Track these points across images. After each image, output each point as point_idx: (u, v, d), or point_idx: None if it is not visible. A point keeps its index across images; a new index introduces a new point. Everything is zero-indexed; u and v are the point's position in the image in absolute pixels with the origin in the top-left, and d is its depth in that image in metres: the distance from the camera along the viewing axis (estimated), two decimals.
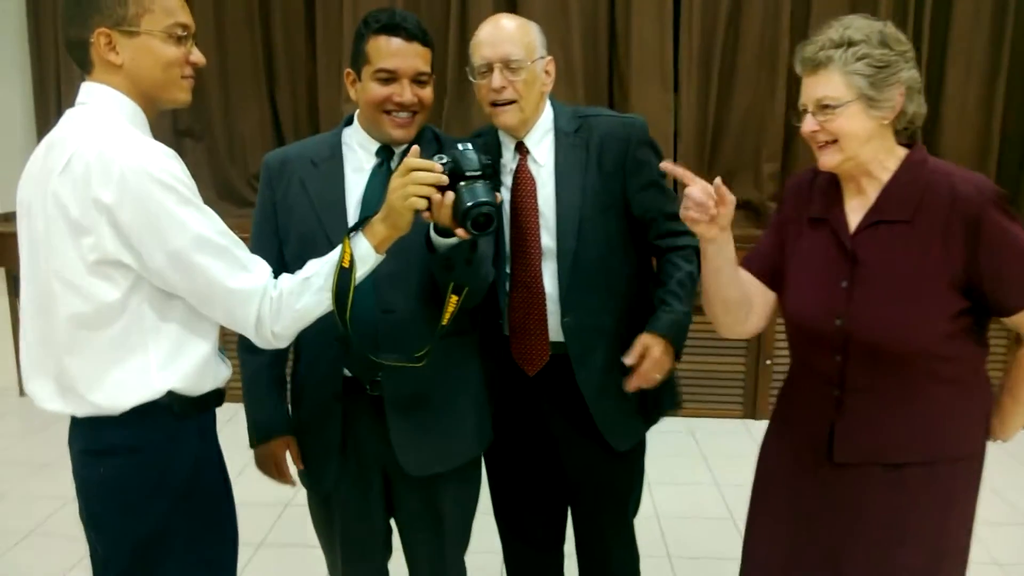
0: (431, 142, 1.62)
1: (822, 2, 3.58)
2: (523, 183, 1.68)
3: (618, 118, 1.76)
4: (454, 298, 1.44)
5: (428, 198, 1.29)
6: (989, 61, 3.62)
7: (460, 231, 1.33)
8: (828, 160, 1.38)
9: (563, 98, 3.71)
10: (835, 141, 1.36)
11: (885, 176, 1.39)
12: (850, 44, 1.33)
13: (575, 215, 1.65)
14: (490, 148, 1.69)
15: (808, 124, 1.37)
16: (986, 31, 3.59)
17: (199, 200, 1.22)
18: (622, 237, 1.70)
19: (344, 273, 1.28)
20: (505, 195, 1.68)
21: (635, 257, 1.74)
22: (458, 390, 1.63)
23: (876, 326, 1.37)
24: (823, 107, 1.35)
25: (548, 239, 1.67)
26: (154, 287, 1.21)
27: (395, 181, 1.30)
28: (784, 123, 3.68)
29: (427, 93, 1.54)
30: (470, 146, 1.38)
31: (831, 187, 1.47)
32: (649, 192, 1.69)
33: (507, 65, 1.59)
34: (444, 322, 1.43)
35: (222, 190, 3.98)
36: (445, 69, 3.74)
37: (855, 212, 1.43)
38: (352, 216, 1.54)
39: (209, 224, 1.22)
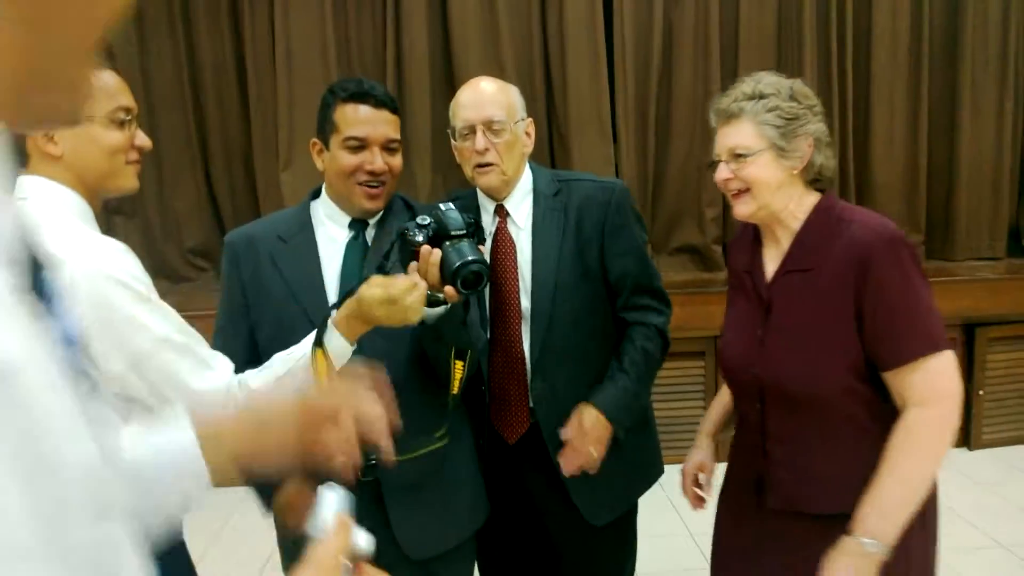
0: (402, 211, 1.58)
1: (748, 53, 3.70)
2: (503, 245, 1.66)
3: (598, 182, 1.74)
4: (459, 364, 1.39)
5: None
6: (910, 99, 3.79)
7: (450, 290, 1.30)
8: (742, 209, 1.43)
9: None
10: (748, 190, 1.40)
11: (796, 225, 1.42)
12: (761, 97, 1.39)
13: (551, 278, 1.62)
14: (469, 210, 1.66)
15: (721, 172, 1.42)
16: (904, 71, 3.76)
17: (156, 296, 1.14)
18: (599, 304, 1.66)
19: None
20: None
21: (612, 327, 1.70)
22: (456, 463, 1.55)
23: (781, 374, 1.38)
24: (736, 156, 1.40)
25: (526, 302, 1.64)
26: (111, 393, 1.10)
27: (380, 310, 1.25)
28: None
29: (397, 161, 1.51)
30: (451, 205, 1.35)
31: (755, 239, 1.51)
32: (626, 259, 1.66)
33: (489, 127, 1.58)
34: (455, 391, 1.38)
35: (157, 267, 3.82)
36: None
37: (772, 262, 1.46)
38: (332, 294, 1.46)
39: (169, 322, 1.14)
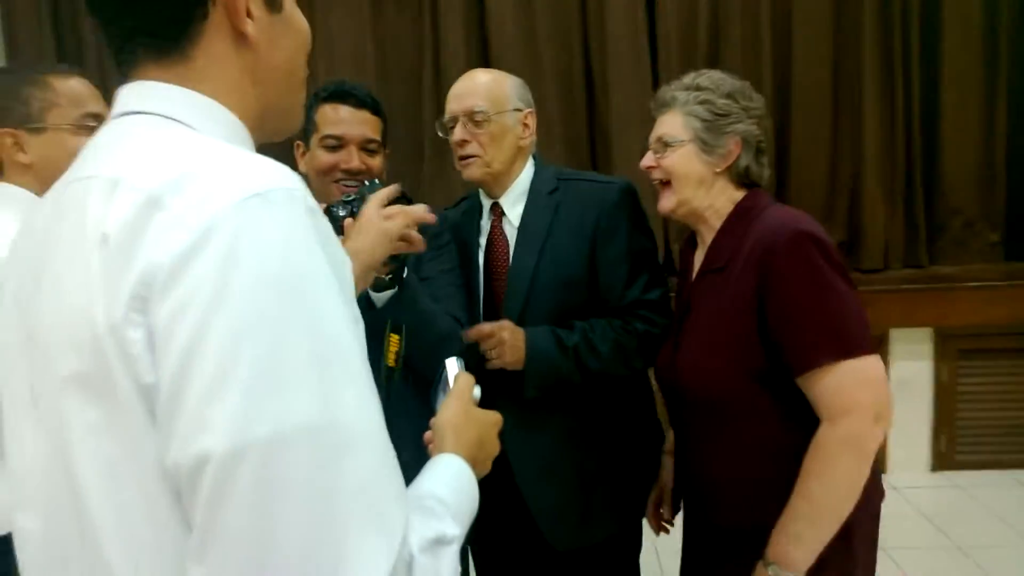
0: None
1: (801, 41, 3.46)
2: (496, 244, 1.61)
3: (597, 182, 1.65)
4: (395, 337, 1.36)
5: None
6: (985, 82, 3.45)
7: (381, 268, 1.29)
8: (664, 203, 1.42)
9: (543, 145, 3.64)
10: (669, 183, 1.39)
11: (719, 224, 1.39)
12: (697, 89, 1.39)
13: (525, 285, 1.54)
14: (473, 211, 1.66)
15: (646, 159, 1.43)
16: (977, 51, 3.43)
17: None
18: (577, 315, 1.55)
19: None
20: (480, 257, 1.62)
21: None
22: None
23: (689, 377, 1.32)
24: (662, 144, 1.40)
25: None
26: None
27: (385, 224, 1.23)
28: (775, 161, 3.52)
29: (376, 162, 1.50)
30: (377, 182, 1.35)
31: (692, 240, 1.50)
32: (616, 268, 1.55)
33: (471, 118, 1.55)
34: (389, 363, 1.35)
35: None
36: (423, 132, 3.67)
37: (699, 262, 1.43)
38: None
39: None
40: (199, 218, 0.55)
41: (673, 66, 3.50)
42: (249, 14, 0.69)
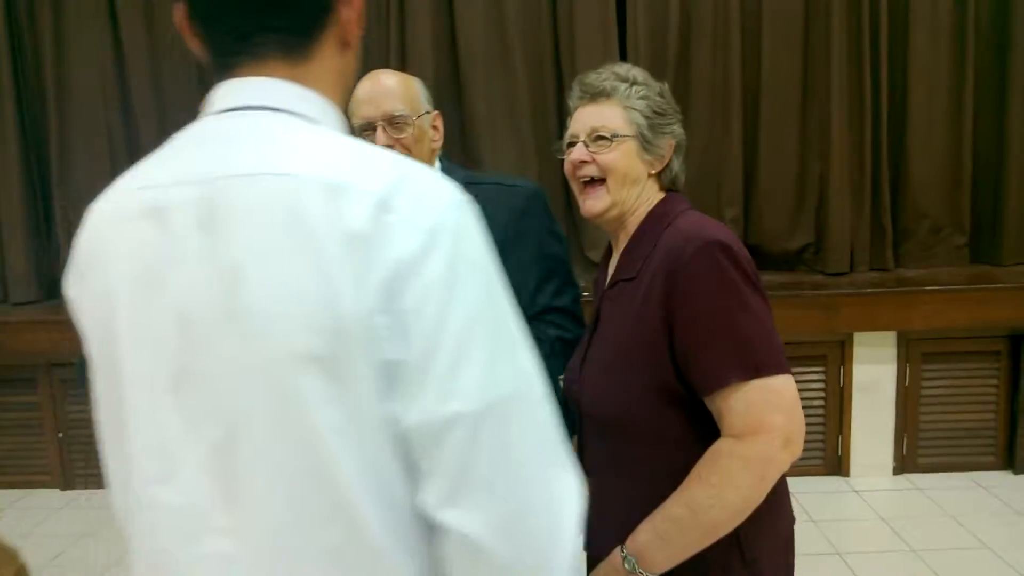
0: None
1: (772, 41, 3.43)
2: None
3: (504, 185, 1.60)
4: None
5: None
6: (953, 88, 3.45)
7: None
8: (595, 205, 1.29)
9: (510, 140, 3.57)
10: (603, 181, 1.27)
11: (635, 230, 1.29)
12: (635, 82, 1.29)
13: None
14: None
15: (578, 152, 1.28)
16: (947, 56, 3.43)
17: None
18: None
19: None
20: None
21: None
22: None
23: (591, 394, 1.24)
24: (598, 138, 1.27)
25: None
26: None
27: None
28: (742, 162, 3.51)
29: None
30: None
31: (609, 247, 1.39)
32: (525, 274, 1.50)
33: (391, 122, 1.50)
34: None
35: None
36: None
37: (613, 269, 1.33)
38: None
39: None
40: (426, 220, 0.67)
41: (643, 67, 3.45)
42: None
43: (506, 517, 0.67)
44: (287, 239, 0.66)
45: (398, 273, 0.65)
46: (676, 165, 1.31)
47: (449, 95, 3.54)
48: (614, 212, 1.29)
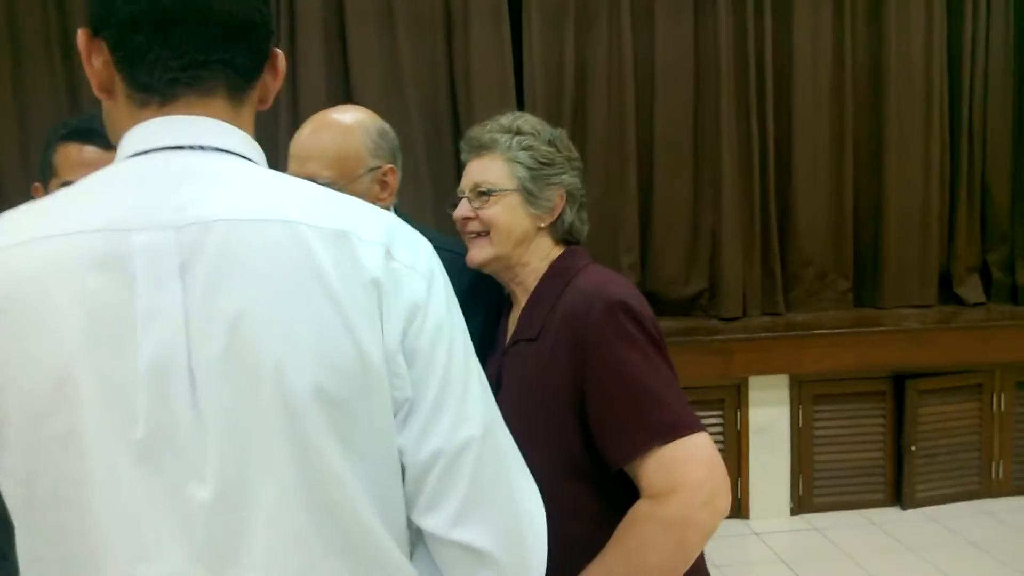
0: None
1: (664, 90, 3.54)
2: None
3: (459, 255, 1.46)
4: None
5: None
6: (834, 140, 3.63)
7: None
8: (476, 254, 1.26)
9: (408, 191, 3.50)
10: (487, 233, 1.25)
11: (534, 286, 1.25)
12: (518, 133, 1.25)
13: None
14: None
15: (462, 209, 1.27)
16: (827, 111, 3.61)
17: None
18: None
19: None
20: None
21: None
22: None
23: None
24: (480, 193, 1.25)
25: None
26: None
27: None
28: (638, 211, 3.57)
29: None
30: None
31: (509, 302, 1.34)
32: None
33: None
34: None
35: None
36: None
37: (513, 327, 1.28)
38: None
39: None
40: (422, 266, 0.73)
41: (540, 114, 3.50)
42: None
43: (507, 528, 0.74)
44: (297, 284, 0.66)
45: (413, 316, 0.70)
46: (570, 215, 1.27)
47: None
48: (498, 265, 1.26)
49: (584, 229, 1.30)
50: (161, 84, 0.70)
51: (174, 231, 0.65)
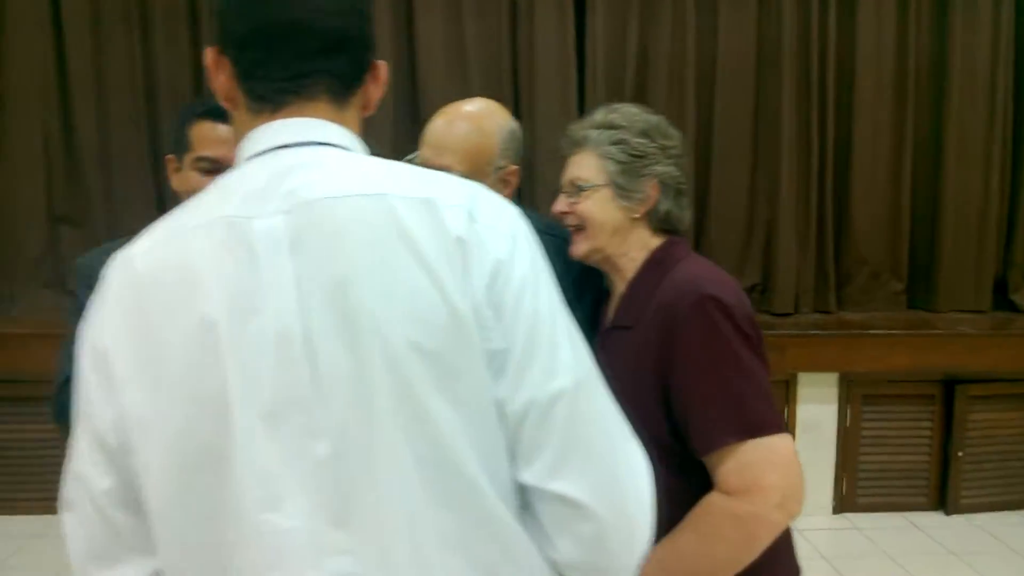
0: None
1: (725, 83, 3.54)
2: None
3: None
4: None
5: None
6: (894, 138, 3.59)
7: None
8: (575, 248, 1.31)
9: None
10: (583, 227, 1.29)
11: (632, 275, 1.28)
12: (610, 127, 1.28)
13: None
14: None
15: (559, 203, 1.32)
16: (888, 108, 3.58)
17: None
18: None
19: None
20: None
21: None
22: None
23: None
24: (575, 188, 1.29)
25: None
26: None
27: None
28: (694, 202, 3.58)
29: None
30: None
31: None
32: None
33: None
34: None
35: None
36: None
37: (612, 314, 1.31)
38: None
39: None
40: (506, 227, 0.77)
41: (600, 101, 3.52)
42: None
43: (603, 482, 0.76)
44: (391, 248, 0.72)
45: (498, 271, 0.74)
46: (665, 204, 1.28)
47: (406, 129, 3.53)
48: (597, 256, 1.29)
49: (685, 216, 1.32)
50: (271, 94, 0.80)
51: (283, 215, 0.74)
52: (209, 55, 0.82)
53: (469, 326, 0.72)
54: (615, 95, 3.53)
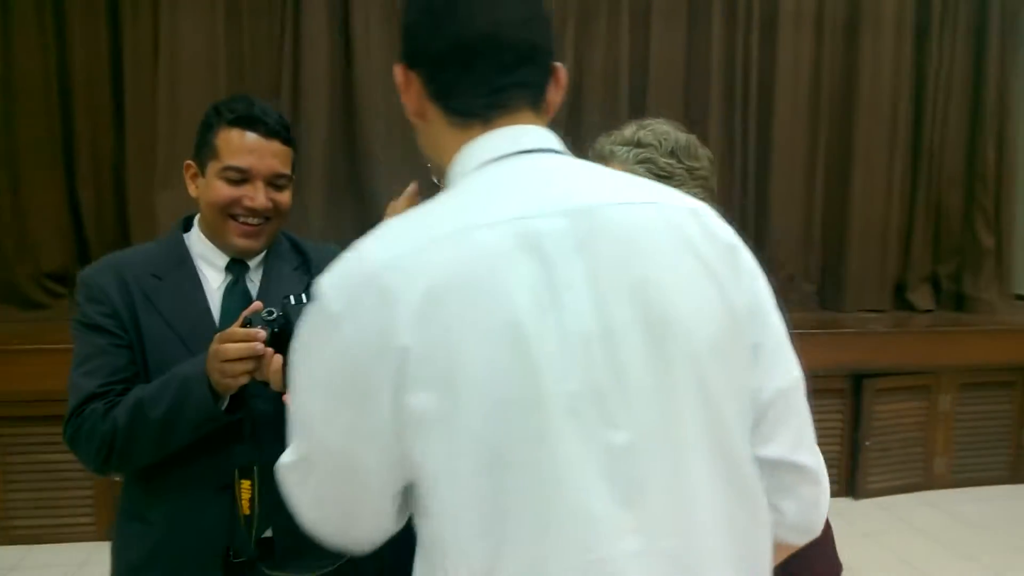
0: (289, 253, 1.40)
1: (657, 98, 3.68)
2: None
3: None
4: (245, 483, 1.26)
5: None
6: (809, 151, 3.86)
7: (288, 399, 1.14)
8: None
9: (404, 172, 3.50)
10: None
11: None
12: (638, 144, 1.24)
13: None
14: None
15: None
16: (804, 123, 3.83)
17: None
18: None
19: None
20: None
21: None
22: None
23: None
24: None
25: None
26: None
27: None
28: None
29: (284, 197, 1.32)
30: (304, 297, 1.18)
31: None
32: None
33: None
34: (244, 511, 1.23)
35: (5, 291, 3.40)
36: None
37: None
38: None
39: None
40: (727, 230, 0.83)
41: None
42: None
43: (817, 451, 0.88)
44: (679, 254, 0.77)
45: (753, 273, 0.81)
46: None
47: (341, 123, 3.48)
48: None
49: None
50: (479, 109, 0.80)
51: (564, 216, 0.75)
52: (398, 72, 0.82)
53: (743, 325, 0.79)
54: None
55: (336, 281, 0.74)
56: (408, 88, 0.82)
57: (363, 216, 3.51)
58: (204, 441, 1.22)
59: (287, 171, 1.32)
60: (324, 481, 0.78)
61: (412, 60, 0.81)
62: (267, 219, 1.31)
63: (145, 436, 1.20)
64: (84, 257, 3.42)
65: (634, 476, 0.74)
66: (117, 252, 1.40)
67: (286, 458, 0.80)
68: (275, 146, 1.30)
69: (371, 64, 3.48)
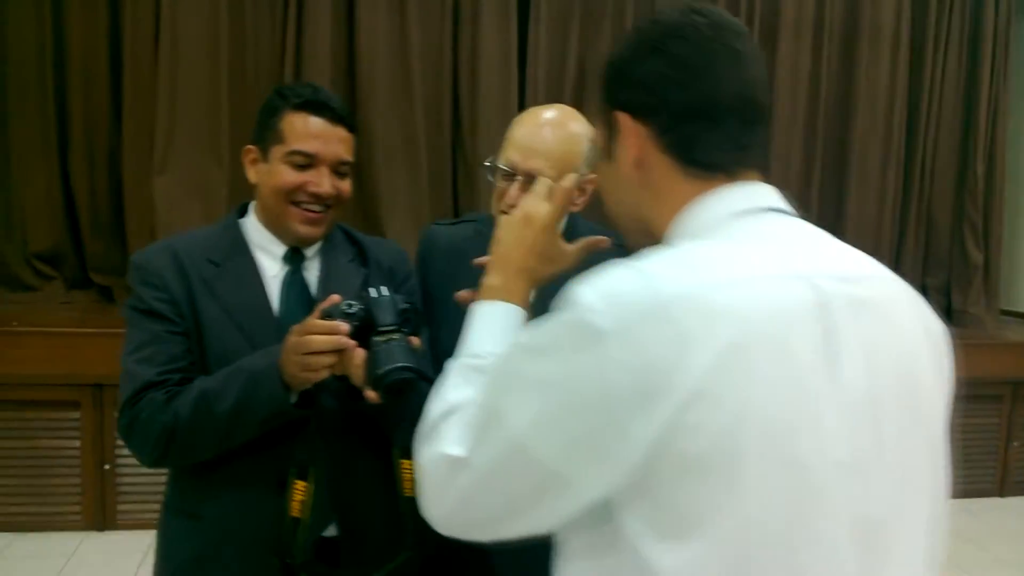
0: (344, 243, 1.38)
1: None
2: None
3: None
4: (299, 484, 1.19)
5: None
6: (806, 158, 3.90)
7: (372, 395, 1.12)
8: None
9: (407, 176, 3.49)
10: None
11: None
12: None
13: None
14: (485, 237, 1.33)
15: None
16: (800, 129, 3.87)
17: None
18: None
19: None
20: None
21: None
22: None
23: None
24: None
25: None
26: None
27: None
28: None
29: (346, 185, 1.31)
30: (384, 290, 1.17)
31: None
32: None
33: (529, 182, 1.29)
34: (294, 513, 1.19)
35: None
36: None
37: None
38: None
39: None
40: None
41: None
42: None
43: None
44: (919, 329, 0.80)
45: (950, 363, 0.84)
46: None
47: None
48: None
49: None
50: (725, 163, 0.80)
51: (843, 282, 0.75)
52: (625, 121, 0.80)
53: (937, 395, 0.81)
54: (555, 102, 3.59)
55: (610, 297, 0.69)
56: (630, 137, 0.80)
57: (363, 201, 3.48)
58: (263, 435, 1.19)
59: (351, 158, 1.32)
60: (504, 485, 0.73)
61: (646, 112, 0.80)
62: (328, 207, 1.29)
63: (210, 430, 1.16)
64: (76, 240, 3.36)
65: (880, 551, 0.75)
66: (171, 236, 1.37)
67: (454, 450, 0.75)
68: (341, 132, 1.29)
69: (375, 48, 3.45)
